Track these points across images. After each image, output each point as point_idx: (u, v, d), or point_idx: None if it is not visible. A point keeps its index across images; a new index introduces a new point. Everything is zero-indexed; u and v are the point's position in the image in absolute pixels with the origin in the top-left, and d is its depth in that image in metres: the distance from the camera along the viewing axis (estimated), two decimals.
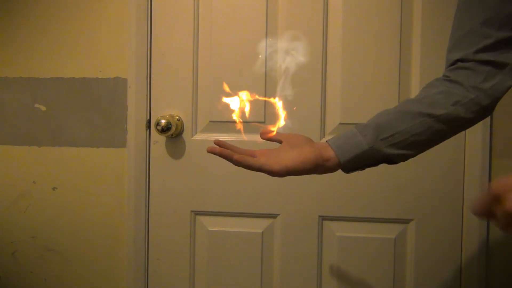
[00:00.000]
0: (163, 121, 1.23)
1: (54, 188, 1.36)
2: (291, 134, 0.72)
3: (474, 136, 1.20)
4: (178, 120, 1.28)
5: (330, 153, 0.66)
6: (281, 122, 0.72)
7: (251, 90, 1.29)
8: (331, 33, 1.25)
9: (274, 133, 0.72)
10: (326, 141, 0.68)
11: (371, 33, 1.23)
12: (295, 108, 0.88)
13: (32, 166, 1.36)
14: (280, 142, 0.71)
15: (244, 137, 0.76)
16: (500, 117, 1.20)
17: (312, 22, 1.24)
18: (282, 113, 0.72)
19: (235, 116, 0.72)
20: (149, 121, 1.31)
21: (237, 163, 0.65)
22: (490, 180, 1.20)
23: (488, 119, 1.19)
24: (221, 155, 0.66)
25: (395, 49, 1.22)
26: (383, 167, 1.26)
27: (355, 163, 0.67)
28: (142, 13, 1.29)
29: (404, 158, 0.68)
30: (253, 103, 0.73)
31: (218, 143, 0.69)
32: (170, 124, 1.23)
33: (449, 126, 0.67)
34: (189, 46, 1.28)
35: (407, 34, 1.22)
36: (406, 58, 1.22)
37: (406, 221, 1.25)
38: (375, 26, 1.22)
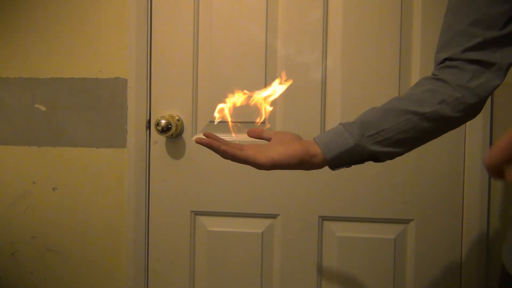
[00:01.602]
0: (163, 121, 1.23)
1: (54, 188, 1.36)
2: (280, 132, 0.73)
3: (474, 136, 1.20)
4: (178, 120, 1.28)
5: (316, 149, 0.67)
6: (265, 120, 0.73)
7: (251, 90, 1.29)
8: (331, 33, 1.25)
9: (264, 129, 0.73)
10: (313, 138, 0.69)
11: (371, 33, 1.23)
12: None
13: (32, 166, 1.36)
14: (269, 139, 0.72)
15: (234, 135, 0.76)
16: (500, 117, 1.20)
17: (312, 22, 1.24)
18: (265, 111, 0.73)
19: (228, 115, 0.72)
20: (149, 121, 1.31)
21: (224, 153, 0.66)
22: (490, 180, 1.20)
23: (488, 119, 1.19)
24: (209, 145, 0.67)
25: (395, 49, 1.22)
26: (382, 167, 1.27)
27: (341, 160, 0.67)
28: (142, 13, 1.29)
29: (391, 156, 0.68)
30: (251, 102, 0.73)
31: (207, 135, 0.69)
32: (170, 124, 1.23)
33: (435, 125, 0.67)
34: (189, 46, 1.28)
35: (407, 34, 1.22)
36: (406, 58, 1.22)
37: (406, 221, 1.25)
38: (375, 26, 1.22)
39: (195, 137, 1.29)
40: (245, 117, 0.73)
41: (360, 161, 0.69)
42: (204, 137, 0.69)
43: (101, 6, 1.31)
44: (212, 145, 0.67)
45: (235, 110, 0.72)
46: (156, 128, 1.24)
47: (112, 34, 1.31)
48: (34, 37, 1.34)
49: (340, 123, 0.69)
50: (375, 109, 0.70)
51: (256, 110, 0.71)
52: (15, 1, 1.35)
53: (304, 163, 0.67)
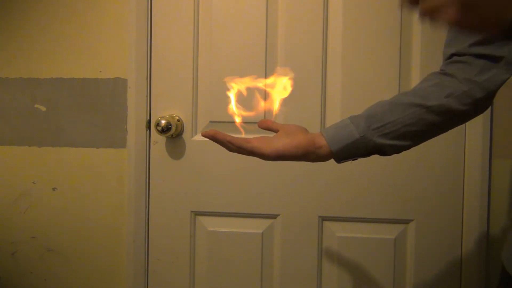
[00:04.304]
0: (163, 122, 1.23)
1: (54, 189, 1.36)
2: (287, 124, 0.73)
3: (474, 136, 1.20)
4: (178, 120, 1.28)
5: (322, 141, 0.68)
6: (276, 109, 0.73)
7: (250, 90, 1.28)
8: (331, 33, 1.25)
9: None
10: (320, 130, 0.69)
11: (371, 33, 1.23)
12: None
13: (32, 166, 1.36)
14: (277, 131, 0.72)
15: (242, 132, 0.76)
16: (500, 117, 1.20)
17: (312, 22, 1.24)
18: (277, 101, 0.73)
19: (234, 108, 0.72)
20: (149, 122, 1.31)
21: (230, 145, 0.66)
22: (490, 180, 1.20)
23: (488, 119, 1.19)
24: (214, 137, 0.67)
25: (395, 49, 1.22)
26: (383, 167, 1.27)
27: (346, 152, 0.68)
28: (142, 13, 1.29)
29: (397, 149, 0.68)
30: (252, 102, 0.73)
31: (213, 130, 0.69)
32: (170, 125, 1.23)
33: (442, 118, 0.67)
34: (189, 46, 1.28)
35: (407, 34, 1.22)
36: (406, 58, 1.22)
37: (406, 221, 1.25)
38: (375, 26, 1.22)
39: (195, 137, 1.29)
40: (250, 118, 0.74)
41: (366, 154, 0.69)
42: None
43: (101, 6, 1.31)
44: (218, 137, 0.67)
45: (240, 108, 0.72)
46: (156, 128, 1.24)
47: (112, 34, 1.31)
48: (34, 37, 1.34)
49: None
50: (381, 102, 0.70)
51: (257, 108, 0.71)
52: (15, 1, 1.35)
53: (309, 155, 0.68)
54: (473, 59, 0.67)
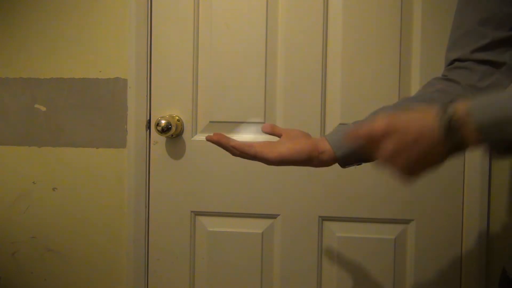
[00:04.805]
0: (163, 122, 1.23)
1: (54, 189, 1.36)
2: (290, 129, 0.73)
3: None
4: (178, 120, 1.28)
5: (326, 146, 0.68)
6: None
7: (250, 90, 1.30)
8: (331, 33, 1.25)
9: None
10: (323, 135, 0.70)
11: (371, 33, 1.23)
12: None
13: (32, 166, 1.36)
14: (279, 136, 0.72)
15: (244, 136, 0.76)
16: None
17: (312, 22, 1.24)
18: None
19: None
20: (149, 122, 1.31)
21: (233, 150, 0.66)
22: (490, 180, 1.20)
23: None
24: (218, 142, 0.67)
25: (395, 49, 1.22)
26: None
27: (351, 157, 0.67)
28: (142, 13, 1.29)
29: None
30: (252, 103, 0.73)
31: (217, 134, 0.69)
32: (170, 125, 1.23)
33: None
34: (189, 46, 1.28)
35: (407, 34, 1.22)
36: (406, 58, 1.22)
37: (406, 221, 1.25)
38: (375, 26, 1.22)
39: (195, 137, 1.29)
40: (252, 118, 0.74)
41: (370, 159, 0.69)
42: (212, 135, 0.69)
43: (101, 6, 1.31)
44: (221, 141, 0.67)
45: (237, 111, 0.72)
46: (156, 128, 1.24)
47: (112, 34, 1.31)
48: (34, 37, 1.34)
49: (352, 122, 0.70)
50: (385, 108, 0.70)
51: (258, 109, 0.71)
52: (15, 1, 1.35)
53: (312, 159, 0.67)
54: (475, 65, 0.68)
